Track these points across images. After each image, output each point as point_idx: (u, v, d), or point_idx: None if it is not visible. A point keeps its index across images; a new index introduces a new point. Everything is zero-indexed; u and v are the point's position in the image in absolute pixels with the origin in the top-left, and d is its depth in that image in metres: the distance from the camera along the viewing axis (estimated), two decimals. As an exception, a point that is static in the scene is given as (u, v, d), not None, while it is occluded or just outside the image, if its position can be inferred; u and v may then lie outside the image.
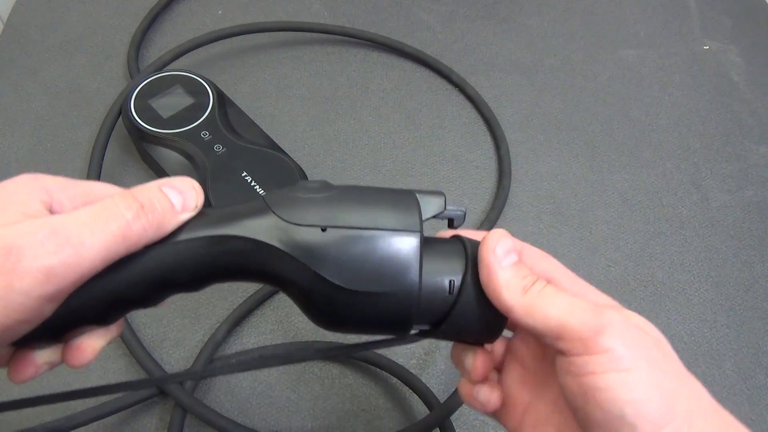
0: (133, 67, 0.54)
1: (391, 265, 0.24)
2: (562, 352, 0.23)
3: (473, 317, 0.25)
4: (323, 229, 0.24)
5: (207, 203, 0.43)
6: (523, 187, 0.51)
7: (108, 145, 0.47)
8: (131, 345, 0.40)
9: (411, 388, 0.40)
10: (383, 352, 0.42)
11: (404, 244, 0.24)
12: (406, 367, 0.42)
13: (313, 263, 0.23)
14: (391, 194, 0.26)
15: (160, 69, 0.51)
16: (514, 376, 0.28)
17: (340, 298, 0.24)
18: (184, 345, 0.42)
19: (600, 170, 0.53)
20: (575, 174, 0.53)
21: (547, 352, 0.27)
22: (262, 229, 0.24)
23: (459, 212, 0.27)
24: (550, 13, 0.65)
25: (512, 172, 0.52)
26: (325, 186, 0.25)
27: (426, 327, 0.26)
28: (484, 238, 0.25)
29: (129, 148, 0.50)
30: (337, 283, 0.23)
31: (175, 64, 0.52)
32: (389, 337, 0.26)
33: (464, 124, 0.55)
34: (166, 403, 0.39)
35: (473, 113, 0.56)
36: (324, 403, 0.40)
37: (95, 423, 0.37)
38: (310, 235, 0.23)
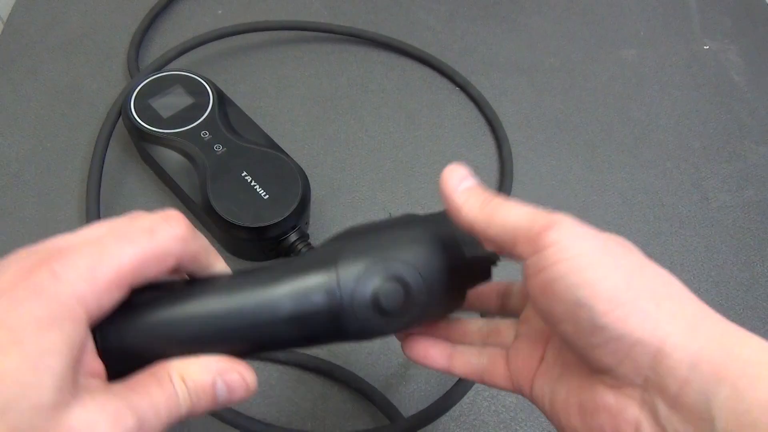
0: (133, 67, 0.54)
1: (435, 240, 0.26)
2: (520, 258, 0.23)
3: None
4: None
5: (207, 204, 0.43)
6: (523, 187, 0.51)
7: (108, 145, 0.47)
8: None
9: (373, 403, 0.40)
10: (380, 350, 0.42)
11: (437, 224, 0.27)
12: (406, 366, 0.42)
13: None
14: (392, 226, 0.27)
15: (159, 69, 0.51)
16: (526, 341, 0.28)
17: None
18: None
19: (600, 170, 0.53)
20: (575, 174, 0.53)
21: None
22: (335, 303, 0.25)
23: None
24: (550, 13, 0.65)
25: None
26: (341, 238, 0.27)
27: None
28: (441, 175, 0.26)
29: (129, 148, 0.50)
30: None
31: (175, 64, 0.52)
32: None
33: (465, 124, 0.55)
34: None
35: (474, 113, 0.56)
36: (324, 403, 0.40)
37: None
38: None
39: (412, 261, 0.25)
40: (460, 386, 0.40)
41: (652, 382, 0.21)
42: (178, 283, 0.25)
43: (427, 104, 0.56)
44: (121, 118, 0.48)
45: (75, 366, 0.19)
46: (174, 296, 0.24)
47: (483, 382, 0.29)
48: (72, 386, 0.19)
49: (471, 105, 0.56)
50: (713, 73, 0.61)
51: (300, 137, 0.52)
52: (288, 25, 0.58)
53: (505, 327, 0.30)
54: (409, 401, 0.41)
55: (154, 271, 0.22)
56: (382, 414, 0.40)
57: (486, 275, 0.28)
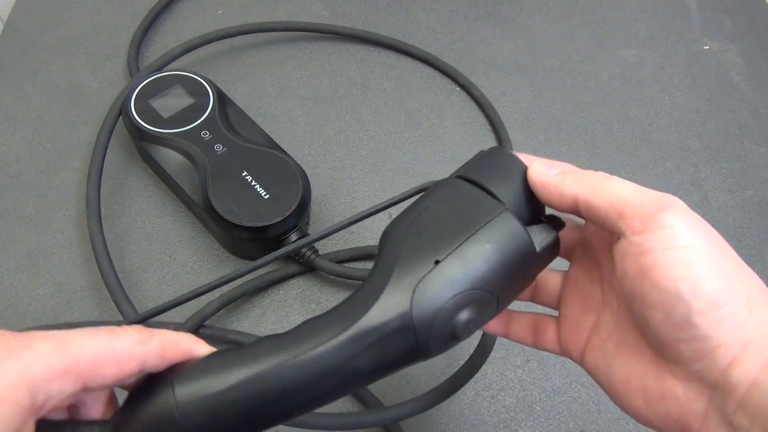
0: (133, 67, 0.54)
1: (507, 243, 0.24)
2: (622, 233, 0.23)
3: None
4: (436, 262, 0.24)
5: (207, 204, 0.43)
6: (523, 187, 0.51)
7: (108, 145, 0.47)
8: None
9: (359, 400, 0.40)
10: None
11: (502, 224, 0.25)
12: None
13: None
14: (450, 203, 0.26)
15: (160, 69, 0.51)
16: (574, 306, 0.28)
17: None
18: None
19: (600, 170, 0.53)
20: (575, 174, 0.53)
21: (603, 269, 0.27)
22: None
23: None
24: (550, 13, 0.65)
25: (512, 172, 0.52)
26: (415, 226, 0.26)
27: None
28: (528, 169, 0.26)
29: (129, 148, 0.50)
30: (482, 288, 0.24)
31: (175, 64, 0.52)
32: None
33: (465, 124, 0.55)
34: None
35: (474, 113, 0.56)
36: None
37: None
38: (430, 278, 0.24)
39: (488, 287, 0.24)
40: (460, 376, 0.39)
41: (724, 381, 0.21)
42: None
43: (427, 104, 0.56)
44: (121, 118, 0.48)
45: None
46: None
47: (536, 347, 0.29)
48: None
49: (471, 105, 0.56)
50: (713, 73, 0.62)
51: (300, 137, 0.52)
52: (289, 26, 0.58)
53: (551, 283, 0.30)
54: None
55: (113, 370, 0.21)
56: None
57: (555, 254, 0.27)
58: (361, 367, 0.23)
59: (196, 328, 0.41)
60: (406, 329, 0.23)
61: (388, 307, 0.23)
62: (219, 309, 0.42)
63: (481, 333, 0.39)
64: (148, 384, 0.23)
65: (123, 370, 0.22)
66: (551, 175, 0.26)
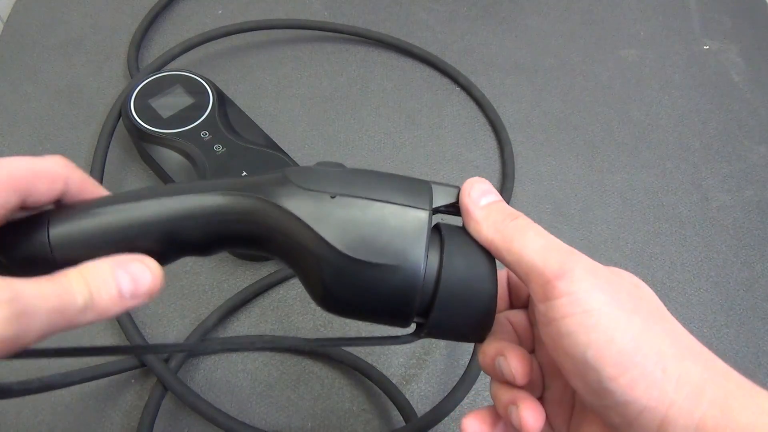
0: (133, 67, 0.54)
1: (397, 238, 0.23)
2: (534, 299, 0.22)
3: (458, 299, 0.24)
4: (332, 196, 0.24)
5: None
6: (523, 187, 0.51)
7: (109, 145, 0.47)
8: (128, 332, 0.40)
9: (390, 398, 0.40)
10: (380, 349, 0.42)
11: (413, 219, 0.23)
12: (405, 365, 0.42)
13: (320, 227, 0.23)
14: (405, 178, 0.26)
15: (159, 69, 0.51)
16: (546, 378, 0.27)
17: (342, 267, 0.23)
18: (175, 327, 0.42)
19: (600, 170, 0.53)
20: (575, 174, 0.53)
21: None
22: (273, 191, 0.24)
23: None
24: (550, 13, 0.65)
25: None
26: (341, 166, 0.26)
27: (421, 320, 0.25)
28: (462, 186, 0.25)
29: (129, 148, 0.50)
30: (340, 249, 0.23)
31: (175, 64, 0.52)
32: (385, 335, 0.26)
33: (464, 124, 0.55)
34: (147, 381, 0.40)
35: (474, 113, 0.56)
36: (324, 403, 0.40)
37: (76, 391, 0.39)
38: (319, 200, 0.24)
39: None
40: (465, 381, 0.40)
41: None
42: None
43: (427, 104, 0.56)
44: (121, 118, 0.48)
45: None
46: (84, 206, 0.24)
47: None
48: None
49: (471, 105, 0.56)
50: (713, 73, 0.61)
51: (300, 137, 0.52)
52: (288, 24, 0.58)
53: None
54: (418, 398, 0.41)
55: (45, 186, 0.23)
56: (393, 413, 0.40)
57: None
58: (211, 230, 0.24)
59: (201, 341, 0.41)
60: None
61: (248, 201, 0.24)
62: (221, 320, 0.42)
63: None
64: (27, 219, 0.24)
65: (53, 186, 0.23)
66: (478, 205, 0.25)
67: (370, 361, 0.41)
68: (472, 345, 0.40)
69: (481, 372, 0.40)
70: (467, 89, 0.57)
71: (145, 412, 0.38)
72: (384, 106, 0.55)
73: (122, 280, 0.22)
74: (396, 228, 0.23)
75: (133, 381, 0.40)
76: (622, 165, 0.54)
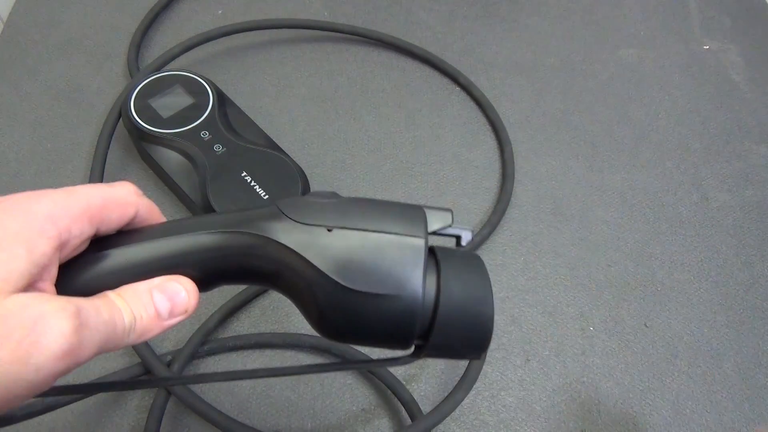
0: (133, 67, 0.54)
1: (395, 268, 0.24)
2: None
3: (457, 322, 0.25)
4: (329, 230, 0.24)
5: (207, 204, 0.43)
6: (523, 187, 0.51)
7: (109, 145, 0.47)
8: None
9: (398, 398, 0.40)
10: (380, 350, 0.42)
11: (409, 248, 0.24)
12: (396, 373, 0.42)
13: (319, 261, 0.23)
14: (399, 205, 0.26)
15: (159, 69, 0.51)
16: None
17: (342, 299, 0.24)
18: (175, 327, 0.42)
19: (600, 170, 0.53)
20: (575, 174, 0.53)
21: None
22: (271, 227, 0.24)
23: (466, 231, 0.27)
24: (550, 13, 0.65)
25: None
26: (335, 195, 0.26)
27: (420, 342, 0.26)
28: None
29: (129, 148, 0.50)
30: (340, 281, 0.23)
31: (175, 64, 0.52)
32: (386, 357, 0.27)
33: (464, 124, 0.55)
34: (150, 389, 0.40)
35: (474, 113, 0.56)
36: (324, 403, 0.40)
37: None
38: (317, 234, 0.24)
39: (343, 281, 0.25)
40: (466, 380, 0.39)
41: None
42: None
43: (427, 104, 0.56)
44: (121, 118, 0.48)
45: (36, 272, 0.20)
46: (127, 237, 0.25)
47: None
48: (27, 285, 0.20)
49: (471, 105, 0.56)
50: (713, 73, 0.61)
51: (300, 137, 0.52)
52: (288, 24, 0.58)
53: None
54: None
55: (117, 214, 0.24)
56: (399, 413, 0.40)
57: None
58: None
59: (202, 343, 0.41)
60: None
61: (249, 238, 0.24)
62: (222, 320, 0.42)
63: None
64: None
65: (125, 214, 0.24)
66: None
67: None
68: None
69: (481, 372, 0.40)
70: (467, 89, 0.57)
71: (150, 417, 0.38)
72: (384, 106, 0.55)
73: (158, 299, 0.23)
74: (394, 258, 0.24)
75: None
76: (622, 165, 0.54)
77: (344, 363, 0.27)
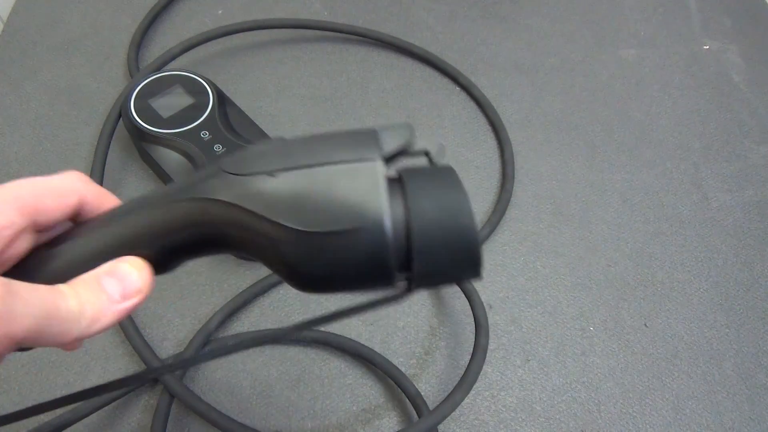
0: (133, 67, 0.54)
1: (349, 199, 0.21)
2: None
3: (437, 243, 0.22)
4: (272, 175, 0.22)
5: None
6: (523, 187, 0.51)
7: (110, 145, 0.47)
8: (128, 333, 0.40)
9: (403, 391, 0.40)
10: (380, 350, 0.42)
11: (362, 174, 0.21)
12: (405, 365, 0.42)
13: (267, 211, 0.21)
14: (347, 133, 0.23)
15: (159, 69, 0.51)
16: None
17: (303, 245, 0.21)
18: (175, 328, 0.42)
19: (600, 170, 0.53)
20: (575, 174, 0.53)
21: None
22: (210, 187, 0.22)
23: (435, 144, 0.24)
24: (550, 13, 0.65)
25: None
26: (280, 139, 0.24)
27: (406, 275, 0.23)
28: None
29: (129, 148, 0.50)
30: (294, 227, 0.21)
31: (175, 64, 0.52)
32: (374, 300, 0.24)
33: (464, 124, 0.55)
34: (153, 390, 0.40)
35: (474, 113, 0.56)
36: (324, 403, 0.40)
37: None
38: (260, 183, 0.22)
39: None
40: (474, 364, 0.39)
41: None
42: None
43: (427, 104, 0.56)
44: (121, 118, 0.48)
45: None
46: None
47: None
48: None
49: (472, 105, 0.56)
50: (713, 73, 0.61)
51: (300, 137, 0.52)
52: (288, 23, 0.58)
53: None
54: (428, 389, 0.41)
55: (55, 203, 0.23)
56: (403, 410, 0.40)
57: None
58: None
59: (203, 344, 0.41)
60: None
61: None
62: (223, 321, 0.42)
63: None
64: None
65: (64, 203, 0.23)
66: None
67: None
68: (471, 346, 0.40)
69: (481, 372, 0.40)
70: (467, 89, 0.57)
71: (156, 420, 0.38)
72: (384, 106, 0.55)
73: (108, 283, 0.22)
74: (347, 188, 0.21)
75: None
76: (622, 165, 0.54)
77: (335, 314, 0.25)
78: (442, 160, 0.24)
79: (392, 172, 0.23)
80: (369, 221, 0.21)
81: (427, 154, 0.24)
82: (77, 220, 0.25)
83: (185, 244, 0.23)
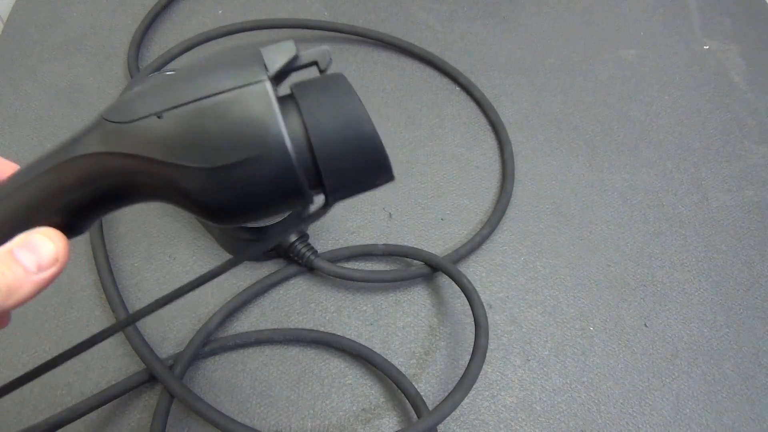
0: (133, 67, 0.54)
1: (246, 126, 0.21)
2: None
3: (342, 154, 0.22)
4: (159, 116, 0.21)
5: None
6: (523, 187, 0.51)
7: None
8: (128, 333, 0.40)
9: (403, 391, 0.40)
10: (380, 350, 0.42)
11: (252, 98, 0.21)
12: (405, 365, 0.42)
13: (164, 154, 0.21)
14: (229, 56, 0.22)
15: (159, 69, 0.51)
16: None
17: (209, 181, 0.21)
18: (175, 327, 0.42)
19: (600, 170, 0.53)
20: (575, 174, 0.53)
21: None
22: (97, 140, 0.21)
23: (320, 52, 0.23)
24: (550, 13, 0.65)
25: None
26: (159, 75, 0.23)
27: (320, 190, 0.23)
28: None
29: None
30: (194, 165, 0.21)
31: (175, 64, 0.52)
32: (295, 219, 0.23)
33: (464, 124, 0.55)
34: (153, 390, 0.40)
35: (474, 113, 0.56)
36: (324, 403, 0.40)
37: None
38: (148, 127, 0.21)
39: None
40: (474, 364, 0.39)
41: None
42: None
43: (427, 104, 0.56)
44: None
45: None
46: None
47: None
48: None
49: (471, 105, 0.56)
50: (713, 73, 0.62)
51: (300, 137, 0.52)
52: (288, 24, 0.58)
53: None
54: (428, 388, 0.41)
55: None
56: (404, 409, 0.40)
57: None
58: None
59: (203, 344, 0.41)
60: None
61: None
62: (222, 321, 0.42)
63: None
64: None
65: None
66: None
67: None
68: (471, 346, 0.40)
69: (481, 372, 0.40)
70: (467, 89, 0.57)
71: (155, 420, 0.38)
72: (384, 106, 0.55)
73: (21, 255, 0.22)
74: (241, 116, 0.21)
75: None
76: (622, 165, 0.54)
77: (266, 238, 0.24)
78: (329, 67, 0.23)
79: (285, 90, 0.22)
80: (269, 146, 0.21)
81: (316, 64, 0.23)
82: None
83: (91, 202, 0.23)
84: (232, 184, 0.21)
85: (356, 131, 0.21)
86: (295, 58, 0.22)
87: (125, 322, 0.26)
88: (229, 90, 0.21)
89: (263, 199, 0.22)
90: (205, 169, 0.21)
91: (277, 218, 0.25)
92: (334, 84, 0.22)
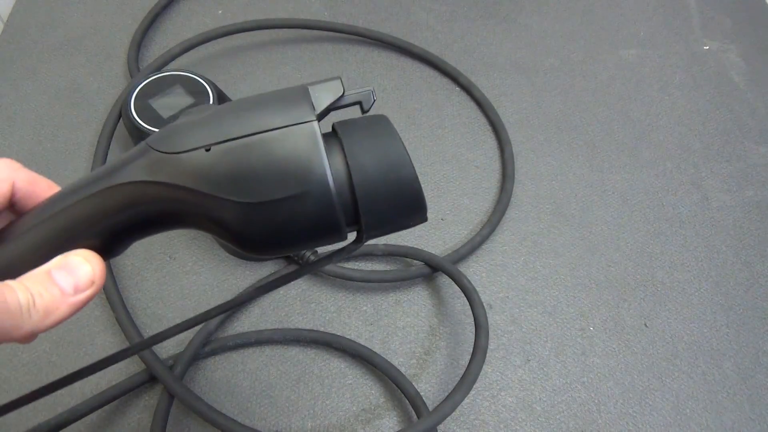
0: (133, 67, 0.54)
1: (291, 164, 0.21)
2: None
3: (381, 195, 0.22)
4: (207, 150, 0.21)
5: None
6: (523, 187, 0.51)
7: (110, 145, 0.47)
8: (128, 333, 0.40)
9: (402, 391, 0.40)
10: (380, 350, 0.42)
11: (300, 137, 0.21)
12: (405, 365, 0.42)
13: (210, 188, 0.21)
14: (278, 95, 0.23)
15: (159, 69, 0.51)
16: None
17: (250, 216, 0.21)
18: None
19: (600, 170, 0.53)
20: (575, 174, 0.53)
21: None
22: (144, 169, 0.22)
23: (365, 92, 0.23)
24: (550, 13, 0.65)
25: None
26: (209, 107, 0.23)
27: (356, 227, 0.24)
28: None
29: (129, 148, 0.50)
30: (239, 200, 0.21)
31: (175, 64, 0.52)
32: (329, 253, 0.24)
33: (464, 124, 0.55)
34: (153, 390, 0.40)
35: (474, 113, 0.56)
36: (324, 403, 0.40)
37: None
38: (195, 160, 0.21)
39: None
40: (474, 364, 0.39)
41: None
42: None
43: (427, 104, 0.56)
44: (121, 118, 0.48)
45: None
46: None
47: None
48: None
49: (472, 105, 0.56)
50: (713, 73, 0.62)
51: (300, 137, 0.52)
52: (288, 24, 0.58)
53: None
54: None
55: None
56: (403, 410, 0.40)
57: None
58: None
59: (204, 344, 0.41)
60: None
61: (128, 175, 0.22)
62: (223, 321, 0.42)
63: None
64: None
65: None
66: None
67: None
68: (471, 346, 0.40)
69: (481, 372, 0.40)
70: (467, 89, 0.57)
71: (155, 421, 0.38)
72: (384, 106, 0.55)
73: (59, 276, 0.22)
74: (287, 154, 0.21)
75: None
76: (622, 165, 0.54)
77: (296, 271, 0.25)
78: (372, 105, 0.24)
79: (327, 127, 0.23)
80: (313, 184, 0.21)
81: (360, 104, 0.24)
82: (15, 209, 0.25)
83: (131, 228, 0.23)
84: (273, 219, 0.22)
85: (397, 175, 0.22)
86: (341, 97, 0.23)
87: (140, 346, 0.27)
88: (278, 128, 0.21)
89: (300, 234, 0.22)
90: (249, 203, 0.21)
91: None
92: (377, 126, 0.23)
